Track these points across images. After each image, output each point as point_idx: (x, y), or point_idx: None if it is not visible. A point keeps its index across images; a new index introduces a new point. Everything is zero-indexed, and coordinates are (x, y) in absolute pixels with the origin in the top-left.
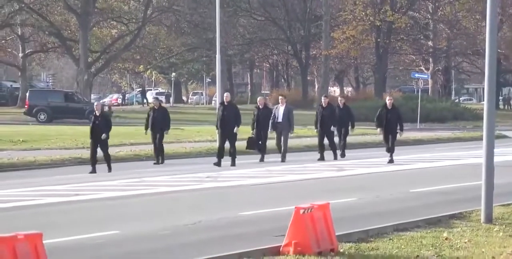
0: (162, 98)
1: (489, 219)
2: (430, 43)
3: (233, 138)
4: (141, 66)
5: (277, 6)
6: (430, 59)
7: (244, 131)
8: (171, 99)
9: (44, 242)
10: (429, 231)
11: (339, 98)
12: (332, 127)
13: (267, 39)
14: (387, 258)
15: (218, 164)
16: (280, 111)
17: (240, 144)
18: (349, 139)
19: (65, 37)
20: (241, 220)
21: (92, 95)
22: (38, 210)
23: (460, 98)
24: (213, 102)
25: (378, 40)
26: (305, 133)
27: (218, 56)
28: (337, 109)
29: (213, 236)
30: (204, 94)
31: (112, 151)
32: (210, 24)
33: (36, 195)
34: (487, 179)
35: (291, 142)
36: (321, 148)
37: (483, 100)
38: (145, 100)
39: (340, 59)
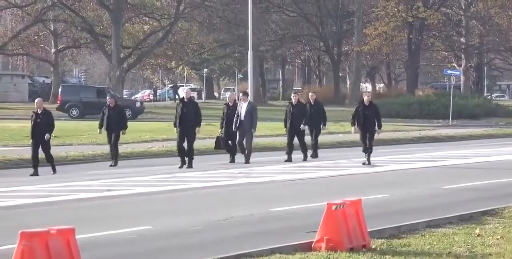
0: (194, 94)
1: None
2: (462, 39)
3: (192, 137)
4: (173, 62)
5: (309, 2)
6: (463, 56)
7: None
8: (203, 95)
9: (76, 237)
10: (461, 227)
11: (309, 94)
12: (302, 125)
13: (299, 35)
14: (419, 255)
15: (182, 166)
16: (243, 108)
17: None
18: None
19: (97, 32)
20: (273, 216)
21: (124, 90)
22: (70, 205)
23: (493, 95)
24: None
25: (410, 36)
26: (337, 129)
27: (250, 52)
28: (308, 106)
29: (245, 231)
30: (236, 90)
31: (144, 146)
32: (242, 20)
33: (68, 190)
34: None
35: (324, 139)
36: (289, 148)
37: None
38: (177, 96)
39: (372, 55)
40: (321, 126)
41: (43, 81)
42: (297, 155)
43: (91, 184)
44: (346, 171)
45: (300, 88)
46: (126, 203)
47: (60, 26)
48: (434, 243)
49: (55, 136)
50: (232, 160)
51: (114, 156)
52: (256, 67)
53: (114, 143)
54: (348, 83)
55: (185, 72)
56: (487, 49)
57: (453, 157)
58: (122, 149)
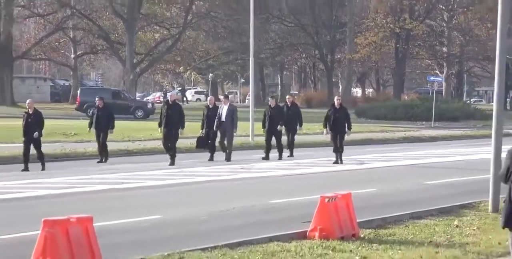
0: (201, 96)
1: (496, 209)
2: (444, 49)
3: (176, 138)
4: (181, 67)
5: (305, 13)
6: (445, 64)
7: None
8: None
9: (94, 224)
10: (441, 219)
11: (287, 97)
12: (279, 126)
13: (296, 44)
14: (403, 243)
15: (172, 163)
16: (223, 110)
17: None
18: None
19: (112, 40)
20: (272, 207)
21: (137, 93)
22: (88, 197)
23: (471, 100)
24: (246, 100)
25: (397, 45)
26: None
27: (251, 59)
28: (285, 108)
29: (246, 221)
30: (238, 93)
31: (154, 144)
32: (244, 30)
33: (86, 183)
34: (495, 173)
35: (319, 138)
36: (267, 147)
37: (492, 102)
38: (184, 98)
39: (362, 62)
40: (297, 127)
41: (64, 83)
42: (274, 154)
43: (106, 177)
44: (338, 167)
45: (296, 92)
46: (139, 195)
47: (78, 34)
48: (417, 233)
49: (74, 134)
50: (211, 159)
51: (104, 154)
52: (257, 73)
53: (103, 142)
54: (340, 88)
55: (192, 77)
56: (467, 58)
57: (435, 156)
58: (135, 145)
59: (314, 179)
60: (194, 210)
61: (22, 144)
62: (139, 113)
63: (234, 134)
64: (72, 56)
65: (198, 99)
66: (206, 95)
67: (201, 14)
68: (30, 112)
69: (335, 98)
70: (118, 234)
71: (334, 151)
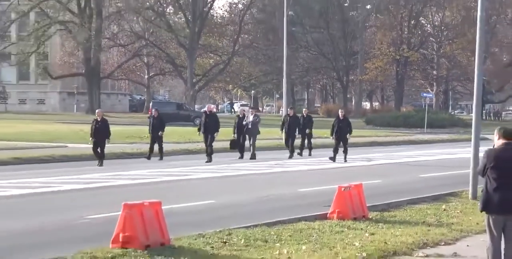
0: (246, 108)
1: (474, 197)
2: (434, 72)
3: (212, 140)
4: (230, 85)
5: (326, 44)
6: (434, 83)
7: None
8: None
9: (162, 207)
10: (432, 204)
11: (303, 109)
12: (296, 132)
13: (319, 68)
14: (402, 223)
15: (209, 160)
16: (250, 119)
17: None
18: (386, 139)
19: (177, 64)
20: (300, 195)
21: (195, 105)
22: (157, 186)
23: (455, 111)
24: (280, 111)
25: (398, 69)
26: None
27: (284, 79)
28: (301, 118)
29: (280, 205)
30: (274, 105)
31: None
32: (279, 56)
33: (156, 175)
34: (474, 168)
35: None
36: (289, 147)
37: (472, 113)
38: (232, 109)
39: (370, 82)
40: (309, 133)
41: (139, 98)
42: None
43: (172, 171)
44: (350, 163)
45: (319, 105)
46: (196, 184)
47: (151, 59)
48: (413, 215)
49: (147, 137)
50: (241, 157)
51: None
52: (288, 90)
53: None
54: (353, 101)
55: (239, 93)
56: (452, 79)
57: (427, 155)
58: (194, 146)
59: (332, 173)
60: (240, 197)
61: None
62: (197, 121)
63: (257, 137)
64: (146, 76)
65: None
66: (250, 107)
67: (246, 44)
68: (99, 120)
69: (339, 111)
70: (181, 215)
71: (333, 150)
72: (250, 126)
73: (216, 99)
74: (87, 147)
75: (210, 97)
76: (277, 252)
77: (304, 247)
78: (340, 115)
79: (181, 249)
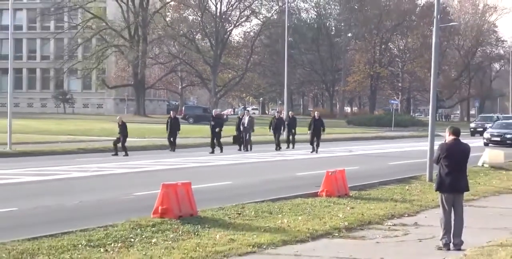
0: (256, 111)
1: (430, 179)
2: (400, 84)
3: (219, 136)
4: (244, 94)
5: (317, 63)
6: (399, 93)
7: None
8: (259, 112)
9: (192, 187)
10: (398, 185)
11: (289, 112)
12: (282, 130)
13: (311, 80)
14: (375, 199)
15: (220, 151)
16: (245, 119)
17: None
18: (361, 135)
19: (203, 77)
20: (297, 177)
21: (218, 109)
22: (188, 170)
23: (415, 114)
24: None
25: (371, 82)
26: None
27: (285, 89)
28: (288, 119)
29: (282, 185)
30: (277, 109)
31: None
32: (281, 72)
33: (188, 161)
34: (430, 158)
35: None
36: (276, 141)
37: (428, 115)
38: (247, 112)
39: (351, 92)
40: (293, 131)
41: (174, 103)
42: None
43: (199, 159)
44: (335, 154)
45: (311, 109)
46: (218, 170)
47: (183, 74)
48: (384, 193)
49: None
50: (240, 149)
51: (173, 146)
52: (288, 98)
53: (174, 139)
54: (337, 107)
55: (250, 100)
56: (412, 89)
57: (394, 148)
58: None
59: (321, 161)
60: (250, 179)
61: (149, 139)
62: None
63: (252, 133)
64: (180, 87)
65: (254, 113)
66: (259, 111)
67: (256, 63)
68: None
69: (315, 113)
70: (204, 193)
71: (310, 143)
72: (246, 125)
73: (233, 104)
74: (135, 140)
75: (229, 103)
76: (279, 221)
77: (300, 218)
78: (315, 116)
79: (205, 219)
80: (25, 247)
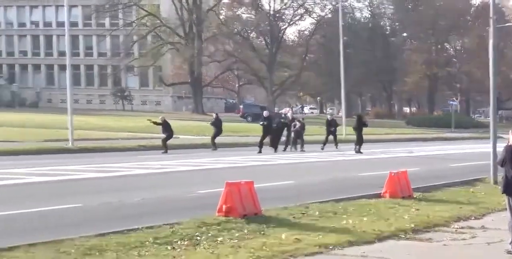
0: (314, 111)
1: (495, 182)
2: (458, 85)
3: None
4: (301, 93)
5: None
6: (458, 94)
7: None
8: (317, 111)
9: (255, 185)
10: (463, 187)
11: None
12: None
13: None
14: (439, 201)
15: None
16: (297, 125)
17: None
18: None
19: (260, 76)
20: (359, 178)
21: (275, 108)
22: (249, 169)
23: (475, 115)
24: (339, 113)
25: (429, 82)
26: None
27: (342, 90)
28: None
29: (345, 185)
30: (335, 109)
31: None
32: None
33: (247, 160)
34: (494, 160)
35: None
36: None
37: (488, 117)
38: (303, 112)
39: (408, 92)
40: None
41: (232, 101)
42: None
43: (260, 158)
44: (395, 154)
45: (369, 109)
46: (279, 169)
47: (240, 72)
48: (448, 195)
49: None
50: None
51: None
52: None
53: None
54: (396, 107)
55: (307, 99)
56: (471, 90)
57: (455, 149)
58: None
59: (381, 162)
60: (312, 178)
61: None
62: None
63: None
64: (236, 85)
65: (311, 112)
66: (318, 110)
67: (312, 62)
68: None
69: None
70: (267, 191)
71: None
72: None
73: (290, 103)
74: (193, 138)
75: (286, 102)
76: (344, 222)
77: (365, 219)
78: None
79: (270, 218)
80: (93, 243)
